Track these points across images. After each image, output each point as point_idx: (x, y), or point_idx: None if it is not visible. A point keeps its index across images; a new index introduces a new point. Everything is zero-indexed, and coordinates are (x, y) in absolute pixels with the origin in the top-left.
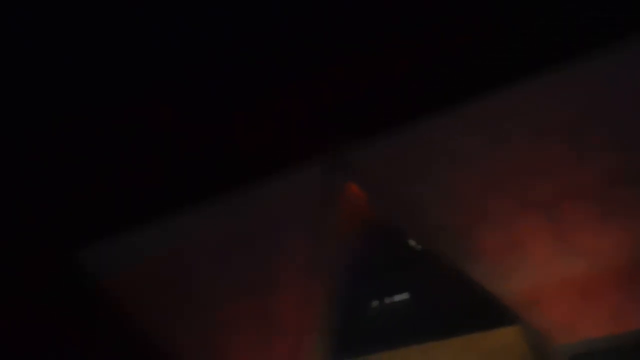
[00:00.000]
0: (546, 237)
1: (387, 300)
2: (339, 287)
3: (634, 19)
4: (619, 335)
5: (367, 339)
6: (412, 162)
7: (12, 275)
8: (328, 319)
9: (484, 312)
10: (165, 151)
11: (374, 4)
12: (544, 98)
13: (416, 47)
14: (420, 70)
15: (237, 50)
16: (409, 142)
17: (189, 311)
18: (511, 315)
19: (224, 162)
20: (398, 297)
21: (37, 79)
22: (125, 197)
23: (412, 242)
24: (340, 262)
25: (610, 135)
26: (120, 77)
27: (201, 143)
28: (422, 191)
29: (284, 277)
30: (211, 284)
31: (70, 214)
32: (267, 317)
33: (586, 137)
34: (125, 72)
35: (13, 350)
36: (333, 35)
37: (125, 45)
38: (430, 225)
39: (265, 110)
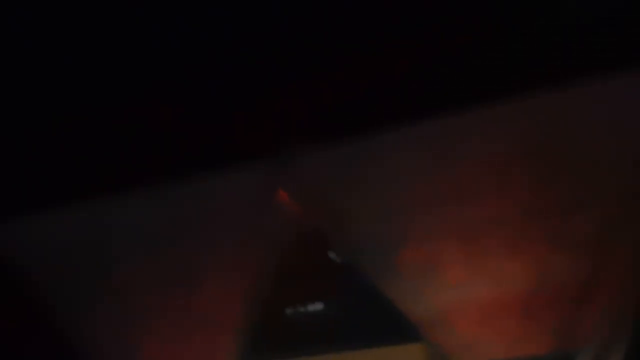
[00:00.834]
0: (460, 260)
1: (302, 308)
2: (262, 289)
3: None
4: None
5: (279, 343)
6: (351, 172)
7: None
8: (248, 320)
9: (393, 327)
10: (165, 151)
11: (374, 4)
12: (483, 129)
13: (416, 47)
14: (420, 70)
15: (237, 50)
16: (352, 153)
17: (105, 302)
18: (418, 332)
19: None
20: (313, 306)
21: (37, 79)
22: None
23: (332, 254)
24: (266, 264)
25: (531, 170)
26: (120, 77)
27: (201, 143)
28: (354, 203)
29: (208, 273)
30: (132, 275)
31: None
32: (187, 312)
33: (508, 170)
34: (126, 72)
35: None
36: (333, 36)
37: (125, 46)
38: (354, 237)
39: (265, 110)
